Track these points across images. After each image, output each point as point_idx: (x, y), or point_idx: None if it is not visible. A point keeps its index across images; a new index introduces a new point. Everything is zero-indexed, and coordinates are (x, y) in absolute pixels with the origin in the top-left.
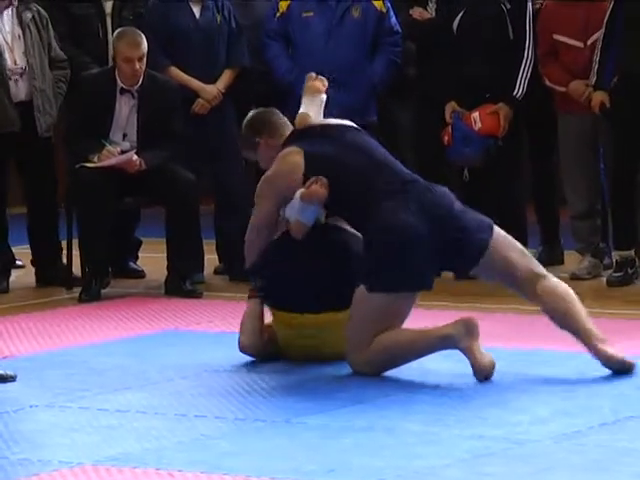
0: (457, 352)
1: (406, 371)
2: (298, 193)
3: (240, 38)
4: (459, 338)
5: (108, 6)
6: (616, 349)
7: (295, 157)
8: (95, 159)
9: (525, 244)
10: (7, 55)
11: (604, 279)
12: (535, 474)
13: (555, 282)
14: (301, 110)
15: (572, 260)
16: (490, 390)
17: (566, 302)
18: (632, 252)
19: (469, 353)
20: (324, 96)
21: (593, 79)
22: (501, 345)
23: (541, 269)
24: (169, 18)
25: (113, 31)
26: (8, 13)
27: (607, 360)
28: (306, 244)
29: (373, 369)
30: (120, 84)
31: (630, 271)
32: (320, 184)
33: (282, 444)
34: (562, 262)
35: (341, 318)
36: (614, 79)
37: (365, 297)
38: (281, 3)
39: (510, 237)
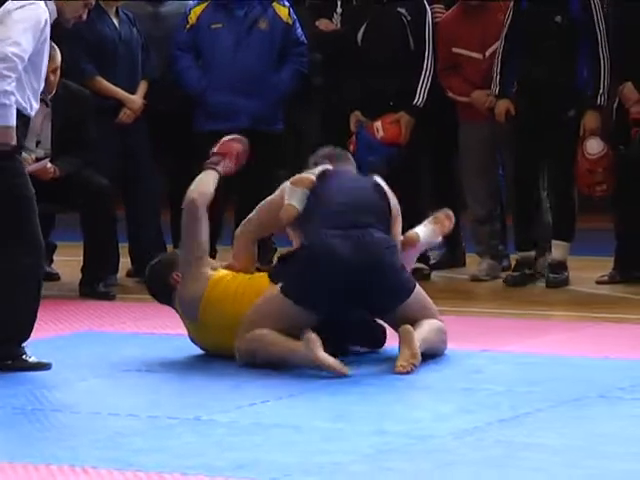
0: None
1: (308, 369)
2: (288, 182)
3: (150, 50)
4: (305, 353)
5: None
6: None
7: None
8: None
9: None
10: None
11: (501, 280)
12: (437, 469)
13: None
14: None
15: (473, 262)
16: (392, 387)
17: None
18: (532, 253)
19: (319, 363)
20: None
21: (495, 89)
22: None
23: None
24: (95, 29)
25: None
26: None
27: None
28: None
29: (241, 357)
30: None
31: (528, 272)
32: (310, 173)
33: (193, 441)
34: (464, 264)
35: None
36: (514, 87)
37: (275, 295)
38: (191, 15)
39: (425, 299)
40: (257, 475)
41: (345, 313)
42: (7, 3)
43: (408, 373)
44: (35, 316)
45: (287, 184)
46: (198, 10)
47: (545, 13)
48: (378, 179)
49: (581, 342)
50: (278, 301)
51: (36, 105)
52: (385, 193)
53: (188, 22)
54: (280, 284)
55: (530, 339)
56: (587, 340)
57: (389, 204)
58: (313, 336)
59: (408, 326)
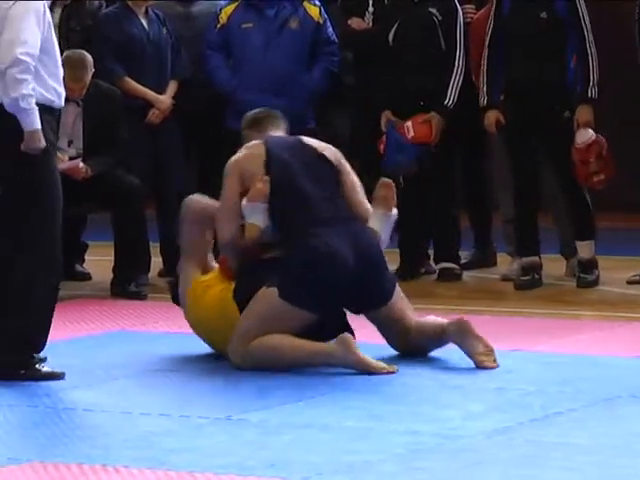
0: (391, 350)
1: (341, 370)
2: (245, 200)
3: (180, 50)
4: (343, 355)
5: (55, 17)
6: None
7: (259, 147)
8: None
9: (458, 247)
10: None
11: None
12: (467, 468)
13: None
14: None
15: (505, 262)
16: (424, 387)
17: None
18: (537, 258)
19: (360, 365)
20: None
21: (483, 100)
22: None
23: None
24: (123, 29)
25: (60, 42)
26: None
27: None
28: None
29: (250, 363)
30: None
31: (537, 276)
32: (263, 182)
33: (224, 440)
34: (495, 264)
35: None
36: (501, 96)
37: (271, 298)
38: (222, 15)
39: (400, 291)
40: (288, 474)
41: (339, 311)
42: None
43: (493, 367)
44: (49, 325)
45: (243, 202)
46: (229, 10)
47: (530, 11)
48: (304, 140)
49: (612, 342)
50: (275, 303)
51: (62, 91)
52: (322, 155)
53: (219, 22)
54: (276, 287)
55: (561, 339)
56: (618, 340)
57: (331, 164)
58: (348, 337)
59: (462, 318)
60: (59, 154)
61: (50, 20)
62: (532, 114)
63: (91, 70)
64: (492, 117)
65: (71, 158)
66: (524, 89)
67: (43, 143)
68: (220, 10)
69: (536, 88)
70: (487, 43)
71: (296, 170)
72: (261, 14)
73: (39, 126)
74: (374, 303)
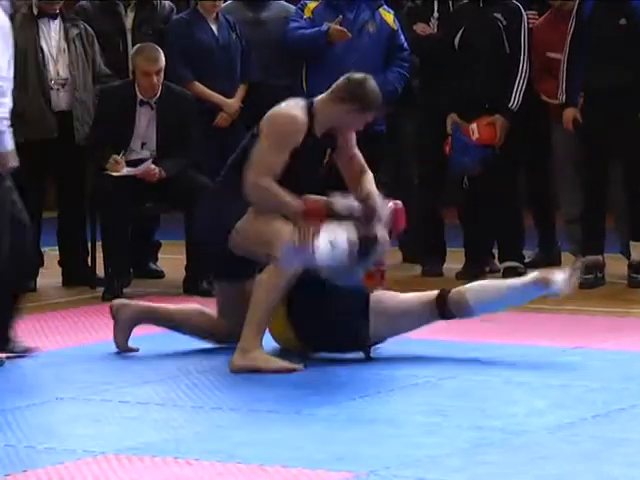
0: (451, 348)
1: (407, 365)
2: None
3: (250, 55)
4: None
5: (129, 22)
6: None
7: None
8: (108, 166)
9: (522, 246)
10: (51, 66)
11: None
12: (531, 463)
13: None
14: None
15: (570, 261)
16: (489, 383)
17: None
18: (600, 257)
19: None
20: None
21: (562, 96)
22: (499, 341)
23: None
24: (193, 35)
25: (133, 46)
26: (55, 28)
27: None
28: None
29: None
30: (139, 96)
31: (600, 275)
32: None
33: (293, 434)
34: (559, 263)
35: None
36: (580, 95)
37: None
38: (305, 10)
39: None
40: (356, 468)
41: None
42: None
43: None
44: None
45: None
46: (312, 6)
47: (610, 17)
48: None
49: None
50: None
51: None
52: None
53: (304, 13)
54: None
55: (624, 337)
56: None
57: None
58: None
59: None
60: (116, 156)
61: (10, 35)
62: (609, 116)
63: (163, 59)
64: (570, 114)
65: (143, 160)
66: (603, 91)
67: (16, 162)
68: (304, 5)
69: (615, 91)
70: (569, 43)
71: None
72: (341, 15)
73: (12, 146)
74: None
